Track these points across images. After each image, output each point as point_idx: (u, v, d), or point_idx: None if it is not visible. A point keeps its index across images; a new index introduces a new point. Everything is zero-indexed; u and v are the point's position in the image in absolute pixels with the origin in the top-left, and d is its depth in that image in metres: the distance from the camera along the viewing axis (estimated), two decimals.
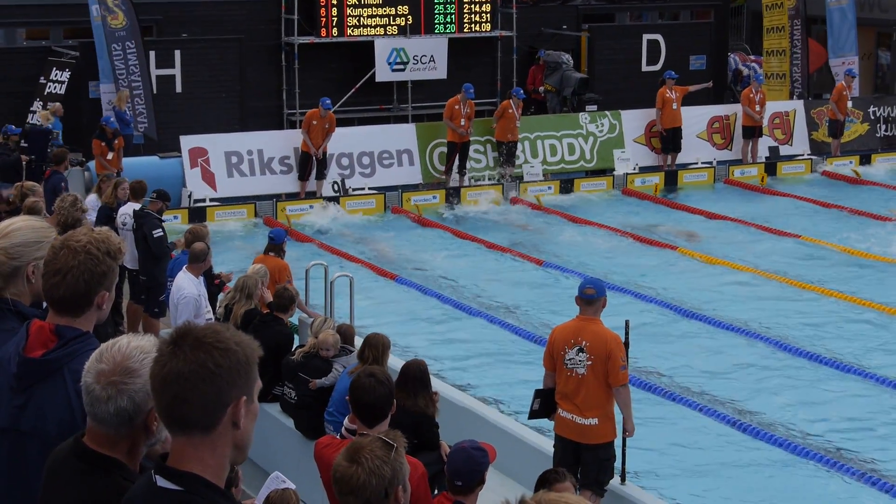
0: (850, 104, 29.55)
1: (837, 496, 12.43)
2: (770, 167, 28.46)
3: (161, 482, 3.46)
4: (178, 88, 27.61)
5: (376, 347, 10.49)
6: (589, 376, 10.67)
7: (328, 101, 25.47)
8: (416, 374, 10.14)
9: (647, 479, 12.39)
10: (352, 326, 12.96)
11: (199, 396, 3.42)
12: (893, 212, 22.22)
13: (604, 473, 10.89)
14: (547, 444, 11.62)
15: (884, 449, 13.55)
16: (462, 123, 26.05)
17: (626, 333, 11.22)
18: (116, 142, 23.20)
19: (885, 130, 30.78)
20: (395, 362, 11.31)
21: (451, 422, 12.14)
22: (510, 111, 26.57)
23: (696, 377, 15.63)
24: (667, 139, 28.08)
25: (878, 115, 30.78)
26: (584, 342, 10.68)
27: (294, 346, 12.74)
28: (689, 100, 28.47)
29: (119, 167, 22.65)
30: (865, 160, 29.29)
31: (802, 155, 29.41)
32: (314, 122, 25.11)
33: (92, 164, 23.66)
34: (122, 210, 16.51)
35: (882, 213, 24.36)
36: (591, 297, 10.75)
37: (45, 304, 4.54)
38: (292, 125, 28.40)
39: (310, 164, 25.13)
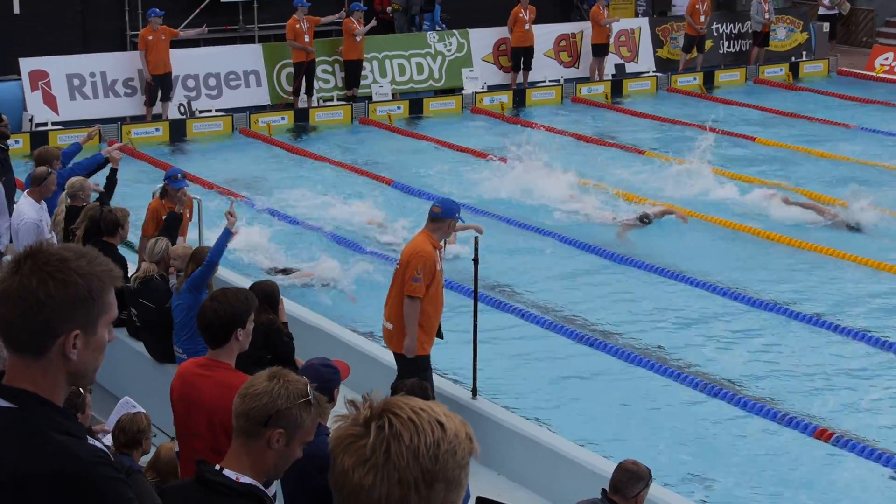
0: (703, 18, 29.79)
1: (678, 402, 12.74)
2: (616, 84, 28.77)
3: None
4: (17, 9, 26.82)
5: (198, 262, 10.82)
6: (394, 281, 11.23)
7: (157, 10, 24.89)
8: (263, 294, 10.13)
9: (498, 396, 12.55)
10: (205, 248, 12.81)
11: (25, 322, 3.34)
12: (712, 124, 22.66)
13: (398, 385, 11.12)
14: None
15: (754, 376, 13.92)
16: (307, 40, 25.79)
17: (476, 250, 11.35)
18: None
19: (729, 47, 31.27)
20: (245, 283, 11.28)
21: (307, 342, 12.17)
22: (353, 27, 26.36)
23: (542, 293, 15.85)
24: (517, 58, 28.17)
25: (721, 31, 31.24)
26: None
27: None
28: (536, 18, 28.54)
29: None
30: (709, 76, 29.75)
31: (648, 72, 29.77)
32: (149, 38, 24.65)
33: None
34: None
35: (725, 127, 24.83)
36: (434, 214, 11.06)
37: None
38: (135, 47, 27.82)
39: (155, 89, 24.75)
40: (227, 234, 11.31)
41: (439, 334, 11.43)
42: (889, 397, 12.96)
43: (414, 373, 10.73)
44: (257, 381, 4.80)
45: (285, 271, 16.29)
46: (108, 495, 3.38)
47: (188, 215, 14.37)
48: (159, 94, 24.86)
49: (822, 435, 11.80)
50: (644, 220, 18.41)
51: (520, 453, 10.87)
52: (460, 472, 2.55)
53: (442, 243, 11.21)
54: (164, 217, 13.62)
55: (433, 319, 11.20)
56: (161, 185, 14.42)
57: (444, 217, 11.04)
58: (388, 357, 12.13)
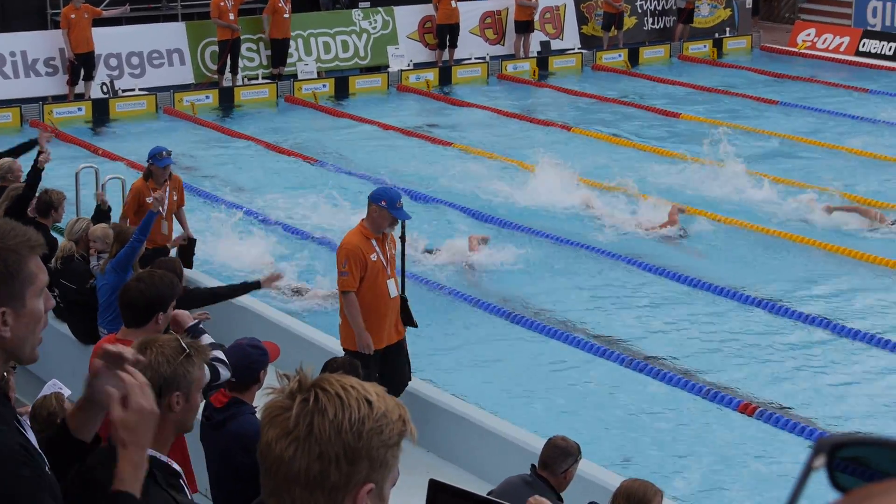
0: None
1: (600, 382, 12.83)
2: (542, 61, 28.82)
3: None
4: None
5: (122, 242, 10.77)
6: None
7: None
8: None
9: (433, 375, 12.57)
10: (129, 228, 12.70)
11: None
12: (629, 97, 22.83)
13: None
14: (333, 343, 11.70)
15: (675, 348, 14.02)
16: (231, 18, 25.59)
17: (402, 229, 11.33)
18: None
19: (653, 24, 31.41)
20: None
21: (238, 323, 12.12)
22: (280, 5, 26.20)
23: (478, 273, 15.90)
24: (443, 35, 28.13)
25: (645, 8, 31.36)
26: None
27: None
28: None
29: None
30: (634, 53, 29.88)
31: (573, 49, 29.84)
32: (72, 17, 24.35)
33: None
34: None
35: (649, 103, 24.99)
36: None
37: None
38: (57, 25, 27.45)
39: (77, 68, 24.45)
40: (152, 215, 11.29)
41: (410, 323, 11.11)
42: None
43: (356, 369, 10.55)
44: None
45: (299, 291, 15.22)
46: (13, 497, 3.29)
47: (175, 197, 13.95)
48: (82, 73, 24.58)
49: None
50: (682, 234, 17.26)
51: (449, 430, 10.88)
52: (386, 451, 2.52)
53: (385, 232, 10.77)
54: (147, 199, 13.04)
55: (375, 314, 10.78)
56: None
57: (369, 201, 10.78)
58: (322, 339, 12.13)
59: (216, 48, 25.99)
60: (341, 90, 26.51)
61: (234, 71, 25.97)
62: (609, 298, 15.05)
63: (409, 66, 27.65)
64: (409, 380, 11.20)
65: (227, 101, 25.44)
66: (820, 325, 14.05)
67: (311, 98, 25.72)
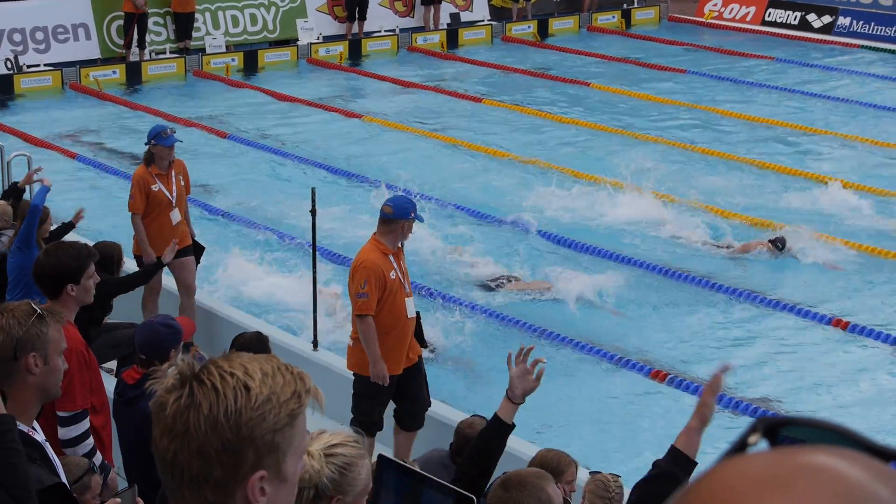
0: None
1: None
2: (451, 34, 28.80)
3: None
4: None
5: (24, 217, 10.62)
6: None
7: None
8: (100, 256, 10.02)
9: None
10: (25, 201, 12.51)
11: None
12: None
13: (356, 407, 9.97)
14: (249, 321, 11.66)
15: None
16: None
17: (313, 202, 11.27)
18: None
19: None
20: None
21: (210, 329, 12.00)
22: None
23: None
24: (352, 8, 27.98)
25: None
26: None
27: None
28: None
29: None
30: (543, 24, 29.95)
31: (483, 21, 29.84)
32: None
33: None
34: None
35: (558, 74, 25.10)
36: (385, 216, 9.87)
37: None
38: None
39: None
40: (45, 190, 11.20)
41: (422, 343, 10.36)
42: None
43: (359, 395, 9.92)
44: None
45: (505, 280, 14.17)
46: None
47: (182, 183, 12.37)
48: None
49: None
50: (778, 245, 15.29)
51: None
52: (274, 436, 2.42)
53: (399, 245, 9.96)
54: (153, 187, 11.93)
55: (394, 336, 9.92)
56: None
57: (395, 218, 9.76)
58: (238, 316, 12.09)
59: (122, 22, 25.66)
60: (250, 64, 26.30)
61: (141, 45, 25.66)
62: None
63: (318, 39, 27.50)
64: (429, 404, 10.29)
65: (134, 77, 25.14)
66: None
67: (220, 72, 25.48)
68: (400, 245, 9.95)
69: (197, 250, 12.67)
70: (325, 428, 4.35)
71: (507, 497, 5.34)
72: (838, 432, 1.02)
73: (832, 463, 0.94)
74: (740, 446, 1.03)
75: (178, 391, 2.44)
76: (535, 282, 14.42)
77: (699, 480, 0.97)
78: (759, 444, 1.03)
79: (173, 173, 12.18)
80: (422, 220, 10.22)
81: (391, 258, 9.82)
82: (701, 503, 0.94)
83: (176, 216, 12.18)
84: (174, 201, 12.13)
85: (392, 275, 9.78)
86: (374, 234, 9.92)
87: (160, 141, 12.01)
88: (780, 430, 1.04)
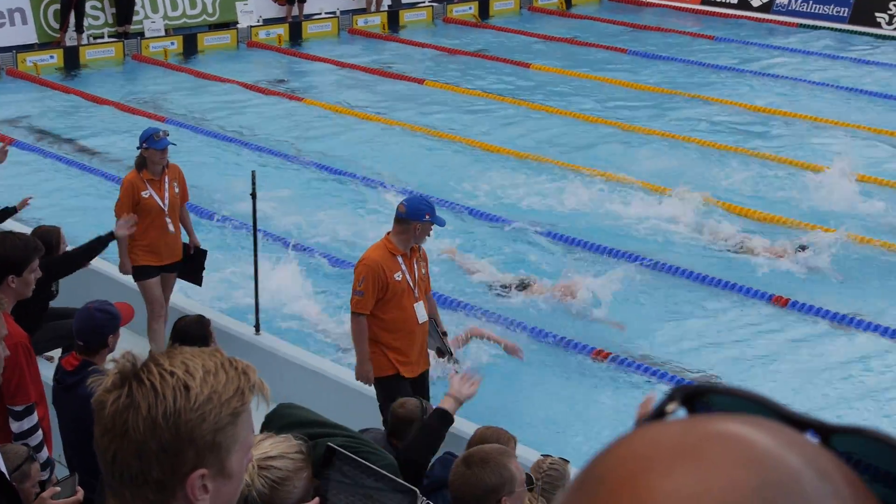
0: None
1: None
2: (392, 15, 28.72)
3: None
4: None
5: None
6: None
7: None
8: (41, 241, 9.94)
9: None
10: None
11: None
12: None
13: (385, 412, 9.12)
14: (192, 306, 11.59)
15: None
16: None
17: (253, 183, 11.22)
18: None
19: None
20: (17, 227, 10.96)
21: (92, 286, 11.92)
22: None
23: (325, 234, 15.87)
24: None
25: None
26: None
27: None
28: None
29: None
30: (484, 5, 29.92)
31: (424, 2, 29.77)
32: None
33: None
34: None
35: (499, 54, 25.10)
36: (398, 213, 9.60)
37: None
38: None
39: None
40: None
41: (447, 354, 10.17)
42: None
43: (386, 399, 9.35)
44: None
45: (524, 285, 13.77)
46: None
47: (177, 190, 11.69)
48: None
49: None
50: (801, 248, 14.58)
51: (305, 386, 10.86)
52: (215, 435, 2.39)
53: (415, 247, 9.63)
54: (143, 193, 11.32)
55: (403, 338, 9.68)
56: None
57: (407, 219, 9.45)
58: (182, 302, 12.00)
59: (59, 6, 25.37)
60: (190, 47, 26.11)
61: (78, 30, 25.40)
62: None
63: (258, 21, 27.32)
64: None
65: (72, 61, 24.88)
66: None
67: (159, 56, 25.28)
68: (417, 247, 9.65)
69: (199, 255, 12.01)
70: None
71: (470, 474, 5.33)
72: (757, 401, 1.02)
73: (743, 431, 0.94)
74: (657, 415, 1.02)
75: (117, 390, 2.41)
76: (559, 284, 13.77)
77: (609, 447, 0.97)
78: (677, 413, 1.03)
79: (167, 179, 11.54)
80: (442, 224, 9.82)
81: (399, 259, 9.54)
82: (608, 470, 0.94)
83: (170, 226, 11.52)
84: (166, 209, 11.50)
85: (397, 276, 9.50)
86: (388, 232, 9.65)
87: (151, 144, 11.38)
88: (698, 399, 1.04)
